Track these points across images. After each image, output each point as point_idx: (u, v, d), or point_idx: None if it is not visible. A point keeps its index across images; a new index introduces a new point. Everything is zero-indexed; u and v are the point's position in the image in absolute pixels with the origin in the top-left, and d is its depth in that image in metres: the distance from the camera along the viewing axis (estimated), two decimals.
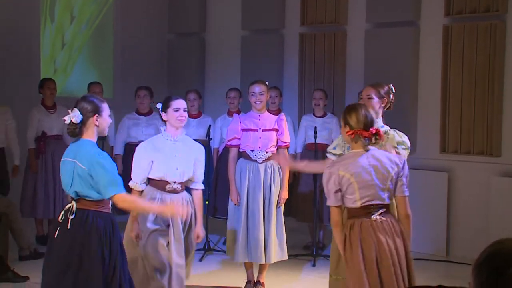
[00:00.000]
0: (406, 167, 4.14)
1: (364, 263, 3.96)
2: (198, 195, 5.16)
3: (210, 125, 7.83)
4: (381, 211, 4.04)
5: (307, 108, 8.56)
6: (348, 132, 4.09)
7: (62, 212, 4.07)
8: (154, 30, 10.17)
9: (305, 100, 8.76)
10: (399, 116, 8.01)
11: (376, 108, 4.97)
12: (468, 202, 7.67)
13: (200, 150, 5.18)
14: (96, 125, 4.02)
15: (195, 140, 7.96)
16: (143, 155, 4.94)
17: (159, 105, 5.06)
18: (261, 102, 6.09)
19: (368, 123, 4.08)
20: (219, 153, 8.07)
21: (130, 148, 7.96)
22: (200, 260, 7.33)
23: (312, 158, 7.24)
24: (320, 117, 7.92)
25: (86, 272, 3.95)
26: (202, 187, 5.21)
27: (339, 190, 4.01)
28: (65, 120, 4.00)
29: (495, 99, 7.41)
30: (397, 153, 4.68)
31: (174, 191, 4.98)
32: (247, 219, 5.99)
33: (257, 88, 6.10)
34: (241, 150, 6.13)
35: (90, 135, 4.02)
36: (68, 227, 3.97)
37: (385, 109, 5.08)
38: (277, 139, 6.09)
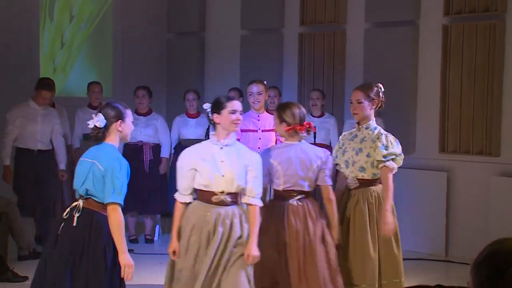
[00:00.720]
0: (330, 161, 4.79)
1: (277, 244, 4.55)
2: (253, 211, 4.41)
3: (209, 125, 7.81)
4: (299, 196, 4.67)
5: (306, 108, 8.54)
6: (286, 128, 4.65)
7: (68, 209, 4.12)
8: (154, 29, 10.16)
9: (304, 99, 8.76)
10: (398, 115, 8.01)
11: (367, 111, 4.96)
12: (467, 202, 7.67)
13: (255, 158, 4.51)
14: (119, 131, 4.14)
15: (193, 139, 8.04)
16: (185, 163, 4.44)
17: (207, 106, 4.56)
18: (259, 102, 6.09)
19: (302, 119, 4.69)
20: None
21: (128, 148, 7.97)
22: None
23: None
24: (317, 117, 7.92)
25: (89, 268, 3.97)
26: (259, 203, 4.45)
27: (268, 174, 4.64)
28: (89, 124, 4.13)
29: (495, 99, 7.41)
30: (378, 161, 4.91)
31: (222, 203, 4.37)
32: None
33: (255, 88, 6.10)
34: None
35: (113, 140, 4.14)
36: (74, 224, 4.03)
37: (376, 109, 5.04)
38: (276, 140, 6.09)
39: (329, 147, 7.41)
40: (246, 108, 7.33)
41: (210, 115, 4.51)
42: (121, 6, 9.88)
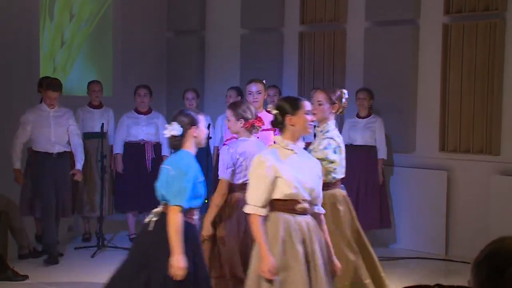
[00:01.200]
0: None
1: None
2: (324, 220, 4.19)
3: (209, 124, 7.83)
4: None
5: None
6: (245, 124, 4.99)
7: (151, 214, 4.25)
8: (154, 28, 10.16)
9: None
10: (398, 114, 8.02)
11: (326, 114, 4.97)
12: (467, 200, 7.67)
13: (319, 165, 4.25)
14: (195, 136, 4.22)
15: None
16: (269, 172, 3.92)
17: (270, 107, 4.20)
18: (258, 101, 6.09)
19: (255, 115, 5.04)
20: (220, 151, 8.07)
21: (129, 147, 7.99)
22: None
23: None
24: None
25: (161, 273, 4.03)
26: (323, 210, 4.22)
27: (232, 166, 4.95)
28: (165, 134, 4.21)
29: (495, 98, 7.41)
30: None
31: (305, 212, 4.02)
32: None
33: (254, 87, 6.10)
34: None
35: (189, 147, 4.23)
36: (150, 229, 4.16)
37: (336, 113, 5.04)
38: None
39: None
40: None
41: (279, 116, 4.08)
42: (121, 5, 9.88)
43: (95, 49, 9.91)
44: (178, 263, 4.00)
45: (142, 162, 7.95)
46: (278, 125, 4.08)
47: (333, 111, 4.98)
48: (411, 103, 8.02)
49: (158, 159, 8.00)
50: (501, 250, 1.71)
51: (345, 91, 5.09)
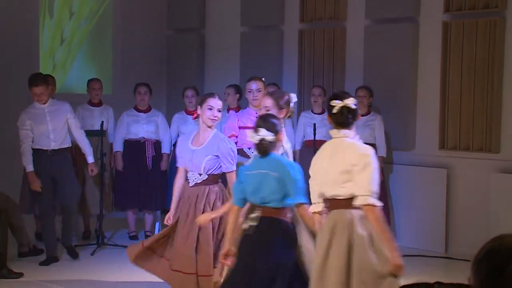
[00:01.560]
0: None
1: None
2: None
3: None
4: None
5: (306, 104, 8.56)
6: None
7: (248, 221, 4.37)
8: (154, 26, 10.16)
9: (304, 96, 8.75)
10: (398, 112, 8.01)
11: None
12: (467, 198, 7.67)
13: None
14: (280, 140, 4.44)
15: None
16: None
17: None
18: (258, 99, 6.09)
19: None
20: None
21: (129, 145, 7.99)
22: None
23: (311, 155, 7.22)
24: (319, 114, 7.92)
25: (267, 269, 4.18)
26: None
27: None
28: (253, 138, 4.36)
29: (494, 96, 7.40)
30: None
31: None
32: None
33: (254, 85, 6.11)
34: (238, 148, 6.12)
35: (276, 151, 4.43)
36: (252, 232, 4.30)
37: (284, 118, 4.96)
38: None
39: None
40: (244, 104, 7.34)
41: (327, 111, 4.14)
42: (121, 3, 9.88)
43: (95, 47, 9.91)
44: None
45: (142, 160, 7.96)
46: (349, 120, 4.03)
47: (281, 116, 4.85)
48: (410, 100, 8.02)
49: (158, 157, 8.01)
50: (501, 247, 1.71)
51: (292, 95, 5.01)
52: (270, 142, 4.32)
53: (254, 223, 4.30)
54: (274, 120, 4.43)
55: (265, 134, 4.30)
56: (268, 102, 4.94)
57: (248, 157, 6.05)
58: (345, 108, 4.00)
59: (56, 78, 8.11)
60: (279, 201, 4.28)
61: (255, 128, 4.34)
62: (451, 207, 7.77)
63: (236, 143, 6.11)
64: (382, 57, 8.10)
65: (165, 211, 8.53)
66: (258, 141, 4.32)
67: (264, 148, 4.34)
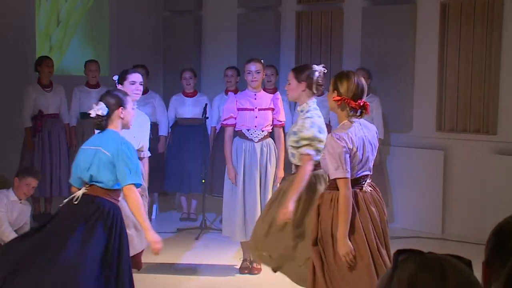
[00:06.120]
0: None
1: (365, 235, 3.96)
2: None
3: (206, 104, 7.82)
4: (368, 181, 4.11)
5: None
6: (335, 98, 4.01)
7: (68, 199, 4.13)
8: (150, 7, 10.10)
9: None
10: (395, 94, 8.01)
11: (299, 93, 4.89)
12: (464, 180, 7.69)
13: None
14: (121, 117, 4.22)
15: (190, 119, 8.03)
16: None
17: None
18: (257, 80, 6.08)
19: (358, 93, 4.02)
20: (217, 131, 8.07)
21: None
22: (197, 238, 7.35)
23: None
24: (317, 95, 7.89)
25: (85, 246, 3.96)
26: None
27: (350, 161, 3.91)
28: (90, 113, 4.19)
29: (492, 77, 7.40)
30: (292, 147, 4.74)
31: None
32: (243, 198, 5.99)
33: (253, 67, 6.08)
34: (237, 129, 6.12)
35: (115, 127, 4.21)
36: (75, 202, 4.08)
37: (309, 93, 4.92)
38: (273, 118, 6.09)
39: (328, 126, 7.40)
40: (242, 86, 7.32)
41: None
42: None
43: (92, 28, 9.86)
44: (153, 238, 4.07)
45: None
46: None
47: (300, 89, 4.88)
48: (408, 82, 8.01)
49: (155, 140, 8.00)
50: (510, 224, 1.71)
51: (317, 67, 5.01)
52: (105, 116, 4.16)
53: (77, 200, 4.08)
54: (120, 95, 4.27)
55: (100, 108, 4.15)
56: (291, 76, 4.91)
57: (247, 138, 6.06)
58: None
59: (53, 59, 8.09)
60: (108, 182, 4.09)
61: (97, 101, 4.23)
62: (448, 188, 7.79)
63: (235, 124, 6.12)
64: (380, 38, 8.08)
65: (163, 193, 8.58)
66: (94, 116, 4.18)
67: (98, 123, 4.20)
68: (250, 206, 5.95)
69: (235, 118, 6.11)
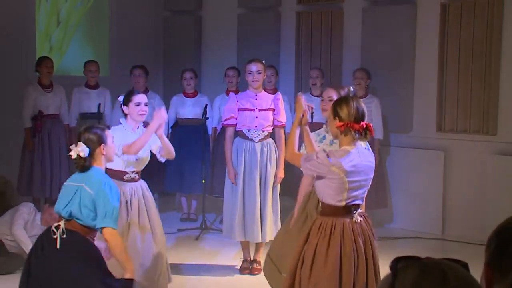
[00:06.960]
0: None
1: (341, 265, 3.84)
2: None
3: (206, 104, 7.82)
4: (360, 211, 3.97)
5: (304, 87, 8.54)
6: (337, 124, 3.94)
7: (53, 228, 4.00)
8: (150, 7, 10.10)
9: (301, 79, 8.74)
10: (395, 94, 8.00)
11: None
12: (464, 180, 7.69)
13: None
14: (103, 154, 4.10)
15: (191, 119, 8.03)
16: None
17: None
18: (258, 81, 6.08)
19: (359, 116, 4.00)
20: (218, 132, 8.06)
21: None
22: (197, 239, 7.35)
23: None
24: (317, 96, 7.89)
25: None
26: None
27: (322, 177, 3.86)
28: (71, 155, 4.05)
29: (492, 78, 7.40)
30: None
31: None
32: (243, 198, 6.00)
33: (254, 67, 6.08)
34: (237, 129, 6.13)
35: (99, 164, 4.10)
36: (58, 247, 3.94)
37: None
38: (273, 119, 6.09)
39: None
40: (243, 86, 7.32)
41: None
42: None
43: (92, 28, 9.86)
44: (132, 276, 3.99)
45: None
46: None
47: None
48: (408, 82, 8.01)
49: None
50: (510, 225, 1.71)
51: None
52: (87, 157, 4.02)
53: (63, 235, 3.94)
54: (97, 131, 4.12)
55: (81, 149, 4.00)
56: (332, 92, 4.90)
57: (247, 138, 6.06)
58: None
59: (53, 60, 8.08)
60: (87, 219, 3.97)
61: (77, 142, 4.06)
62: (448, 189, 7.78)
63: (235, 125, 6.12)
64: (380, 39, 8.08)
65: (162, 194, 8.57)
66: (76, 157, 4.02)
67: (80, 165, 4.05)
68: (250, 206, 5.96)
69: (236, 118, 6.11)
